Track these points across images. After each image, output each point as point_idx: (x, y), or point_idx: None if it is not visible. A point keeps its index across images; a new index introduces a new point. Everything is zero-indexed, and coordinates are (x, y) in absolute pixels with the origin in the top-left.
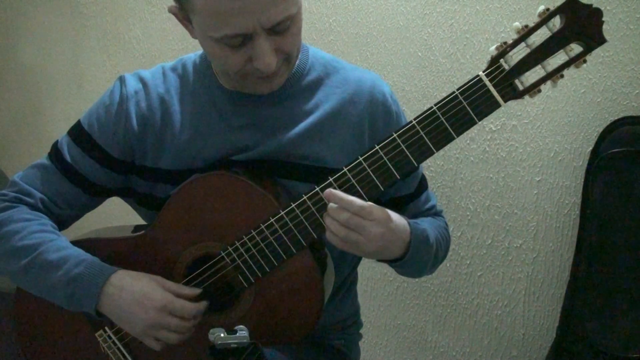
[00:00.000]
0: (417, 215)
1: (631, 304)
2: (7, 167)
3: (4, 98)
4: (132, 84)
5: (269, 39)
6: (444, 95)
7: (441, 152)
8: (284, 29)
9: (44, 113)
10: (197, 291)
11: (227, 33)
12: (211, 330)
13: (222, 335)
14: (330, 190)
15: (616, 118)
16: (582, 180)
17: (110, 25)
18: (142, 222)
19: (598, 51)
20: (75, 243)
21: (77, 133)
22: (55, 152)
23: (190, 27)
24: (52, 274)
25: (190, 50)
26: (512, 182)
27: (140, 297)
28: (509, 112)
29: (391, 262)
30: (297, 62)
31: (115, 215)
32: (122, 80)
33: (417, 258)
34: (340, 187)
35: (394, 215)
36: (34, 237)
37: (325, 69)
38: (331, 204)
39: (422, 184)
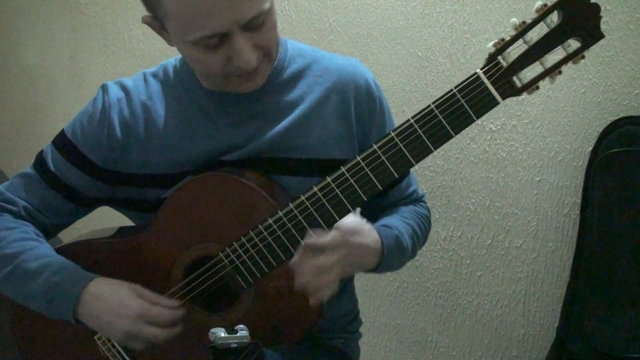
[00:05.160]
0: (398, 201)
1: (631, 304)
2: (7, 167)
3: (4, 98)
4: (115, 92)
5: (246, 35)
6: None
7: (441, 152)
8: (259, 24)
9: (44, 113)
10: (175, 303)
11: (204, 34)
12: (211, 330)
13: (222, 335)
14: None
15: (616, 118)
16: (582, 180)
17: (110, 25)
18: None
19: (598, 51)
20: (71, 245)
21: (61, 142)
22: (39, 162)
23: (166, 34)
24: (31, 282)
25: None
26: (512, 182)
27: (117, 305)
28: (509, 112)
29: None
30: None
31: (109, 217)
32: (104, 88)
33: (391, 264)
34: (338, 187)
35: (358, 229)
36: (14, 246)
37: (306, 60)
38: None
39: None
